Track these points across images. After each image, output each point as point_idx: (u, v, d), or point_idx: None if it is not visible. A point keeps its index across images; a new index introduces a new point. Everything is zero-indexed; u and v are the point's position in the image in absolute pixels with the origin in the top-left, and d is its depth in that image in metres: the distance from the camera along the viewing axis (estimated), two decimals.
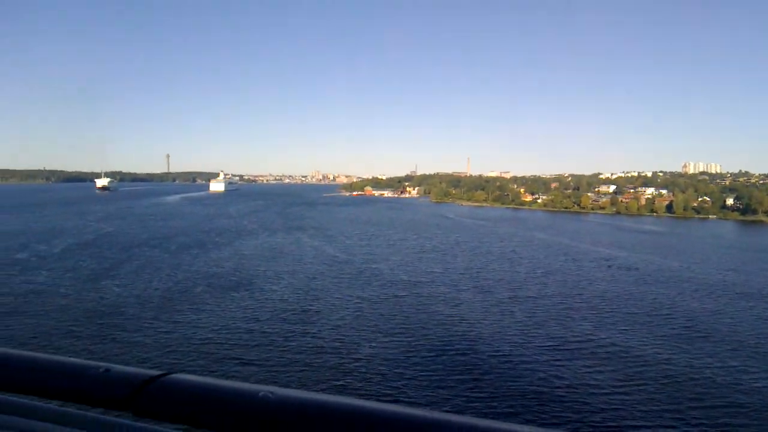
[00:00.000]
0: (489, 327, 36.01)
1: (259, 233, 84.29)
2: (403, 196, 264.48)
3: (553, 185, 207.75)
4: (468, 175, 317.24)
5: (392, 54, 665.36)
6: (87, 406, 1.25)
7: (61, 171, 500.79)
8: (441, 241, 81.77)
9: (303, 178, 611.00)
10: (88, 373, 1.31)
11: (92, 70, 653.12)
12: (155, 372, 1.24)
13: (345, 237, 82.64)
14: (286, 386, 1.17)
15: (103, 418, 1.32)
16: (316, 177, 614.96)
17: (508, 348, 31.67)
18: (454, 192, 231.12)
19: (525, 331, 35.24)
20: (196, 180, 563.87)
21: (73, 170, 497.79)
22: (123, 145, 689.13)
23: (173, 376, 1.26)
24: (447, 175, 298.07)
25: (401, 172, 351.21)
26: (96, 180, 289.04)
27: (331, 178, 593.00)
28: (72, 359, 1.37)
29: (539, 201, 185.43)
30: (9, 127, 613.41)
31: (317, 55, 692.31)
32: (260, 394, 1.18)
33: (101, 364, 1.31)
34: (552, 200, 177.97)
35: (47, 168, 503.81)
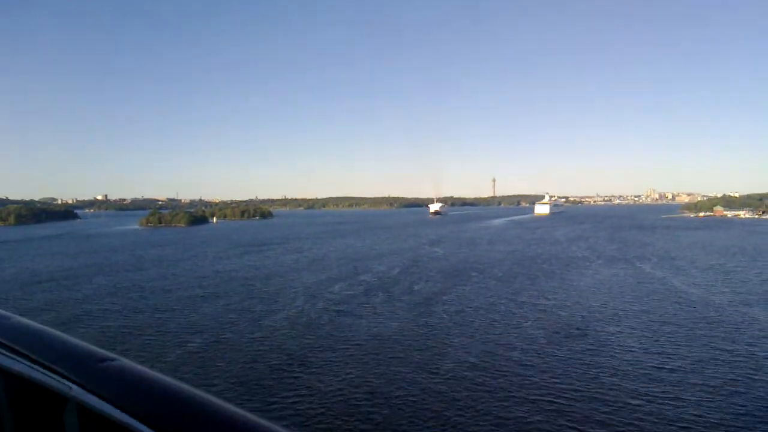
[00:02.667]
0: None
1: (591, 261, 75.59)
2: (765, 217, 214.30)
3: None
4: None
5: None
6: None
7: (403, 197, 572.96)
8: None
9: (635, 199, 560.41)
10: None
11: (428, 106, 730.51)
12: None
13: (698, 269, 67.40)
14: None
15: None
16: (651, 197, 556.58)
17: None
18: None
19: None
20: (520, 203, 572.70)
21: (412, 197, 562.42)
22: (454, 172, 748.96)
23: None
24: None
25: (760, 189, 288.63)
26: (429, 205, 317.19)
27: (670, 197, 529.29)
28: None
29: None
30: (364, 159, 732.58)
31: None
32: None
33: None
34: None
35: (391, 195, 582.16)
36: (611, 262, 74.62)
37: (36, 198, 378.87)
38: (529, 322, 40.78)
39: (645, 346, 34.38)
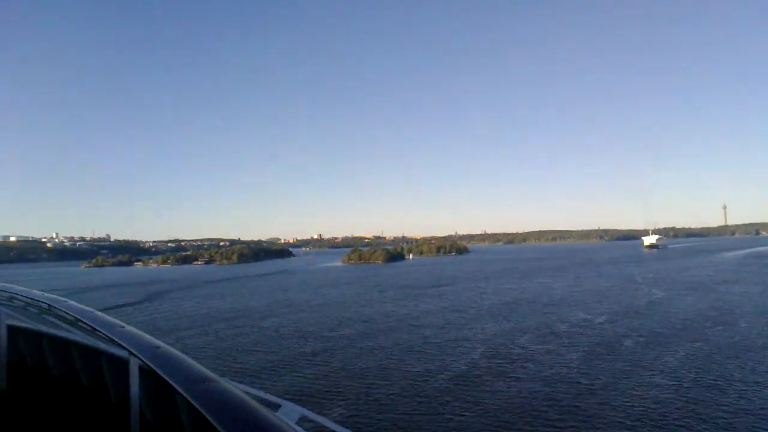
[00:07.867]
0: None
1: None
2: None
3: None
4: None
5: None
6: None
7: (614, 229, 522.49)
8: None
9: None
10: None
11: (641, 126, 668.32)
12: None
13: None
14: None
15: None
16: None
17: None
18: None
19: None
20: (760, 232, 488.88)
21: (625, 228, 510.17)
22: (676, 199, 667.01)
23: None
24: None
25: None
26: (644, 238, 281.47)
27: None
28: None
29: None
30: (567, 189, 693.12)
31: None
32: None
33: None
34: None
35: (601, 227, 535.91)
36: None
37: (263, 238, 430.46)
38: None
39: None
